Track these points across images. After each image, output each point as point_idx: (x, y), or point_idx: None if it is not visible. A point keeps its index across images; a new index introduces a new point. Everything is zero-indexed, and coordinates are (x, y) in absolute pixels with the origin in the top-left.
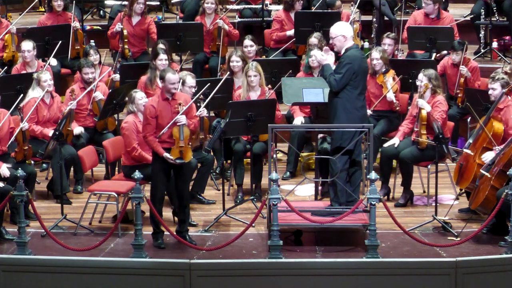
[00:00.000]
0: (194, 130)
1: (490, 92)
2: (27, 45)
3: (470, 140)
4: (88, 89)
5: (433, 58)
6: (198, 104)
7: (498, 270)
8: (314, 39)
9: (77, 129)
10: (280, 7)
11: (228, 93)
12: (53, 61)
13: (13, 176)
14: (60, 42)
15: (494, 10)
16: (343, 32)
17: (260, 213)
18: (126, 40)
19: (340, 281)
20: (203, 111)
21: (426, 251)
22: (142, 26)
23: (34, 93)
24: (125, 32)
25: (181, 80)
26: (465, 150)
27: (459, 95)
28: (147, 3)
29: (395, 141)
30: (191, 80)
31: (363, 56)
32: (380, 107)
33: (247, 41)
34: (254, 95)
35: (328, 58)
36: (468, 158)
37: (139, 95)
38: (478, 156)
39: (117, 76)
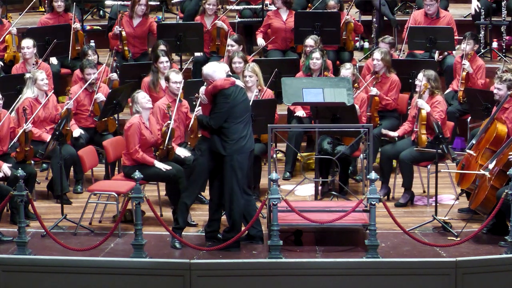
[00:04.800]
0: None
1: (495, 91)
2: (27, 42)
3: (473, 141)
4: (84, 87)
5: (435, 59)
6: (194, 103)
7: (498, 270)
8: (310, 40)
9: (76, 132)
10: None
11: None
12: (53, 60)
13: (13, 176)
14: (55, 41)
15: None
16: (212, 75)
17: (260, 213)
18: (125, 41)
19: (340, 281)
20: (199, 110)
21: (426, 251)
22: (143, 27)
23: (29, 93)
24: (123, 33)
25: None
26: (467, 151)
27: (461, 89)
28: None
29: (394, 133)
30: (175, 76)
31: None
32: (380, 107)
33: (229, 40)
34: (250, 96)
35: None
36: (470, 159)
37: (141, 95)
38: (480, 157)
39: (114, 75)
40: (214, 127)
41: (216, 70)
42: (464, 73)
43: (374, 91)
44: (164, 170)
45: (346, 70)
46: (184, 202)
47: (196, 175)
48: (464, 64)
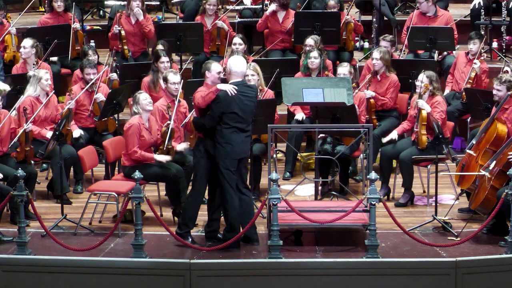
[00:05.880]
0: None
1: (495, 92)
2: (25, 42)
3: (474, 141)
4: (85, 88)
5: (435, 59)
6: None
7: (498, 270)
8: (310, 40)
9: (76, 132)
10: None
11: None
12: (53, 60)
13: (13, 176)
14: (55, 42)
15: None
16: (231, 65)
17: (260, 213)
18: (124, 40)
19: (340, 281)
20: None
21: (426, 251)
22: (141, 23)
23: (31, 91)
24: (123, 33)
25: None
26: (467, 151)
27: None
28: (147, 3)
29: (393, 135)
30: (173, 76)
31: (244, 93)
32: (377, 108)
33: (236, 39)
34: None
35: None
36: (471, 159)
37: (143, 96)
38: (480, 157)
39: (114, 75)
40: (207, 127)
41: (236, 62)
42: (473, 74)
43: (368, 94)
44: (165, 161)
45: (343, 68)
46: (193, 205)
47: (199, 176)
48: (475, 64)
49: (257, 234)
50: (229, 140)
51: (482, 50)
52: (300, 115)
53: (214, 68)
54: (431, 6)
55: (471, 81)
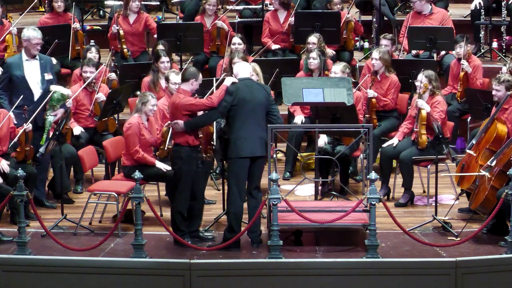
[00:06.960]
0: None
1: (494, 92)
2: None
3: (474, 141)
4: (83, 86)
5: (435, 59)
6: None
7: (498, 270)
8: (313, 38)
9: (77, 129)
10: None
11: None
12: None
13: (13, 176)
14: (55, 42)
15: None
16: (236, 70)
17: (260, 213)
18: (123, 40)
19: (340, 281)
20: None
21: (426, 251)
22: (140, 23)
23: None
24: (121, 32)
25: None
26: (467, 151)
27: (459, 90)
28: (147, 3)
29: (394, 141)
30: (174, 77)
31: (251, 86)
32: (378, 108)
33: (235, 39)
34: None
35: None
36: (471, 159)
37: (153, 101)
38: (480, 157)
39: (113, 75)
40: (210, 122)
41: (241, 67)
42: (462, 73)
43: (371, 93)
44: (165, 170)
45: (337, 66)
46: (178, 212)
47: (182, 183)
48: (462, 64)
49: (260, 235)
50: (240, 135)
51: (468, 51)
52: (299, 117)
53: (201, 78)
54: (425, 5)
55: (462, 82)
